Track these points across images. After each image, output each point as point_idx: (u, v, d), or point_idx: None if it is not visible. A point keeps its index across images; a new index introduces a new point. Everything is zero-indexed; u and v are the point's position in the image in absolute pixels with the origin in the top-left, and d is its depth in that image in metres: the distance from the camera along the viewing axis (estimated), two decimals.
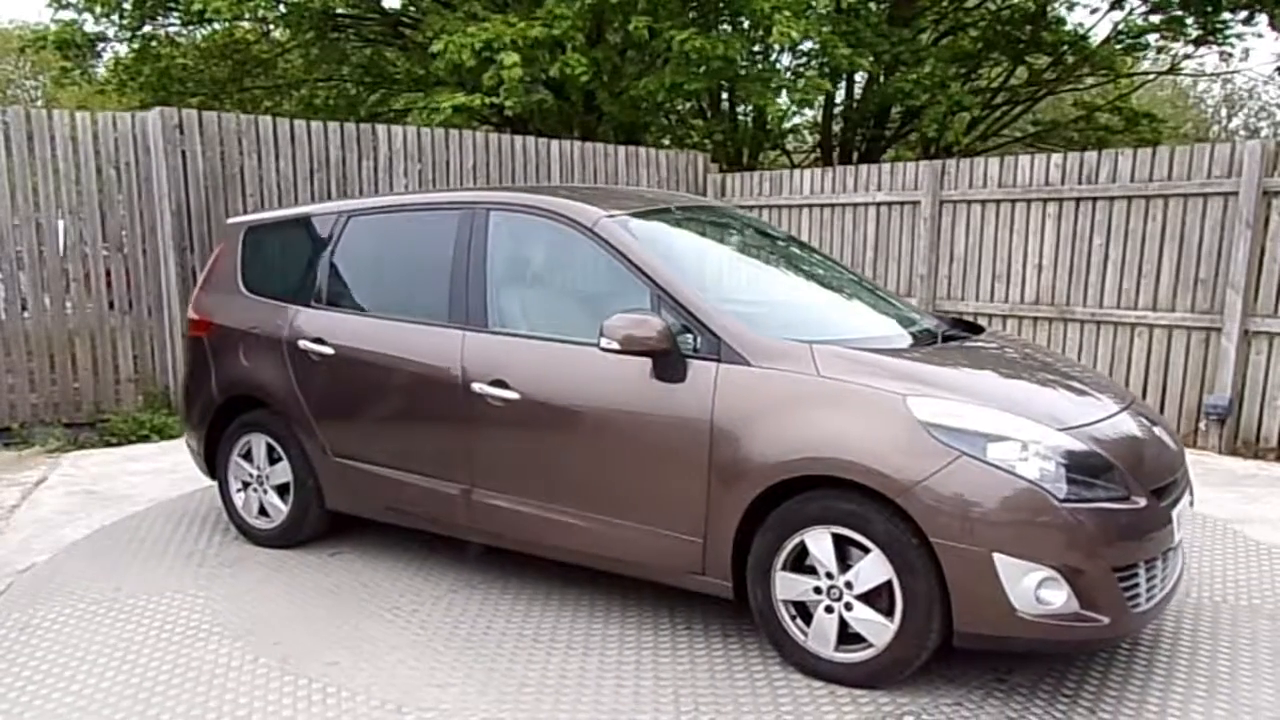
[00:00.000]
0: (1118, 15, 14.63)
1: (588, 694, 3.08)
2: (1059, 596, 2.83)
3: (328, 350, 4.10)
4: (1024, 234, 7.37)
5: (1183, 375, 6.64)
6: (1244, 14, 13.55)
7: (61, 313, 6.75)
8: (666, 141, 15.62)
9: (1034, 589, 2.82)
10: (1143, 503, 2.96)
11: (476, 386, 3.65)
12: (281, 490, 4.38)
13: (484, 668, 3.25)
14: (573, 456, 3.53)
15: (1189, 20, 13.92)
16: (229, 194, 7.00)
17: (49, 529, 4.75)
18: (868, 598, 3.01)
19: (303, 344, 4.17)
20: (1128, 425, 3.24)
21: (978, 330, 4.10)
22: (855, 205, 8.46)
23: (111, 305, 6.95)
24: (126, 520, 4.87)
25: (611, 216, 3.63)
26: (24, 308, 6.71)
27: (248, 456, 4.46)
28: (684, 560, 3.33)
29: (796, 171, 9.15)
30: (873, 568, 2.98)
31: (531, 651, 3.38)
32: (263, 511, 4.45)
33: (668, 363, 3.26)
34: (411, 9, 14.07)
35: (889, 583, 2.96)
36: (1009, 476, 2.85)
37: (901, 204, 8.12)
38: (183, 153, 6.80)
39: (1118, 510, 2.90)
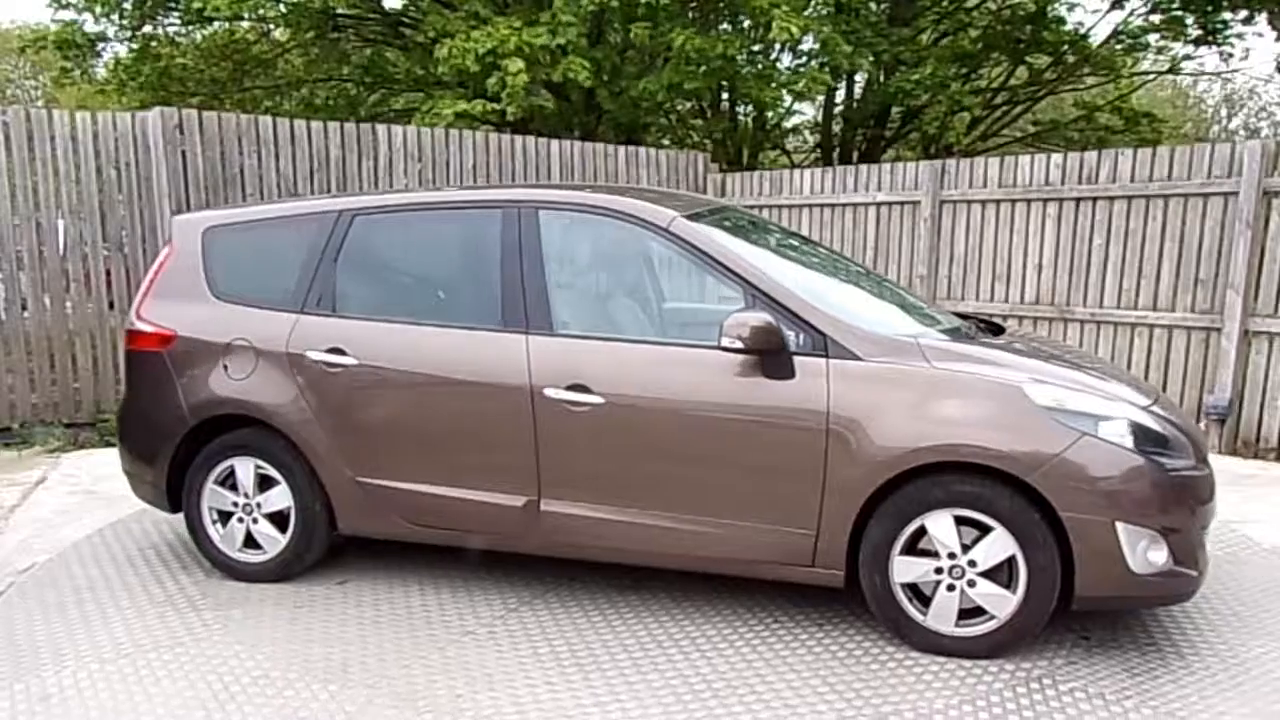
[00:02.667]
0: (1118, 15, 14.65)
1: (747, 694, 3.07)
2: (1161, 556, 3.16)
3: (348, 361, 3.76)
4: (1024, 234, 7.37)
5: (1183, 375, 6.63)
6: (1244, 14, 13.55)
7: (61, 313, 6.74)
8: (666, 141, 15.64)
9: (1146, 551, 3.14)
10: (1207, 470, 3.36)
11: (550, 392, 3.50)
12: (275, 518, 3.95)
13: (623, 682, 3.15)
14: (668, 459, 3.46)
15: (1189, 20, 13.92)
16: (229, 194, 7.00)
17: (49, 529, 4.75)
18: (989, 573, 3.22)
19: (312, 355, 3.80)
20: (1170, 406, 3.59)
21: (1000, 329, 4.22)
22: (855, 205, 8.45)
23: (111, 305, 6.94)
24: (84, 546, 4.47)
25: (683, 216, 3.62)
26: (24, 308, 6.71)
27: (227, 483, 3.98)
28: (793, 554, 3.39)
29: (796, 171, 9.15)
30: (996, 545, 3.19)
31: (654, 660, 3.30)
32: (250, 544, 3.99)
33: (779, 360, 3.30)
34: (412, 9, 14.07)
35: (1012, 558, 3.19)
36: (1123, 451, 3.16)
37: (901, 204, 8.11)
38: (183, 153, 6.80)
39: (1198, 476, 3.29)
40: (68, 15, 13.25)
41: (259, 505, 3.96)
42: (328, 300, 3.89)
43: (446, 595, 3.88)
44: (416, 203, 4.07)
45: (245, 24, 14.50)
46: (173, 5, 13.09)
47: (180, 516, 4.13)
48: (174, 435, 3.97)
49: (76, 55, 13.61)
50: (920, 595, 3.32)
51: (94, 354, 6.88)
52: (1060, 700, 3.04)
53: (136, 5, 12.87)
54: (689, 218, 3.67)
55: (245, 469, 3.95)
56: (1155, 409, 3.39)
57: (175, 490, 4.05)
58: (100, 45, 13.88)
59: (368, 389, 3.78)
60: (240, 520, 3.99)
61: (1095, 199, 6.96)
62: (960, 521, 3.22)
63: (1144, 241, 6.75)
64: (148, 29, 13.74)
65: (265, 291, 4.00)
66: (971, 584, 3.23)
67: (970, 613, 3.27)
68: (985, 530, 3.21)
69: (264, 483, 3.96)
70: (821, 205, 8.68)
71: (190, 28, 14.45)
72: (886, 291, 4.24)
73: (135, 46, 13.86)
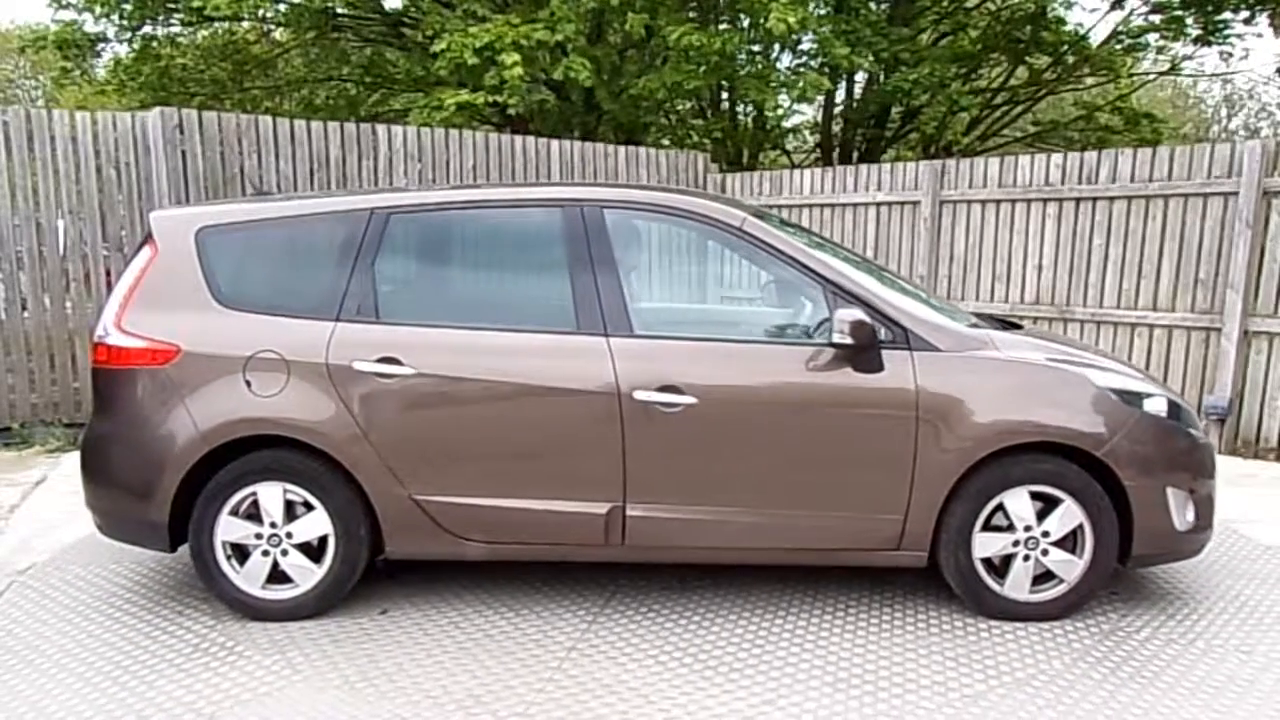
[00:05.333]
0: (1118, 15, 14.66)
1: (896, 678, 3.19)
2: (1192, 514, 3.60)
3: (405, 371, 3.49)
4: (1024, 234, 7.37)
5: (1183, 375, 6.63)
6: (1244, 14, 13.55)
7: (61, 313, 6.74)
8: (666, 141, 15.63)
9: (1184, 511, 3.57)
10: (1209, 439, 3.82)
11: (639, 395, 3.43)
12: (307, 547, 3.58)
13: (770, 679, 3.17)
14: (761, 455, 3.50)
15: (1189, 20, 13.92)
16: (229, 194, 6.99)
17: (49, 529, 4.74)
18: (1059, 542, 3.54)
19: (360, 366, 3.49)
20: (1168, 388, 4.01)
21: (1018, 325, 4.39)
22: (855, 205, 8.46)
23: None
24: (82, 558, 4.21)
25: (754, 217, 3.72)
26: (24, 308, 6.71)
27: (244, 513, 3.56)
28: (880, 539, 3.55)
29: (796, 171, 9.15)
30: (1067, 516, 3.52)
31: (780, 656, 3.33)
32: (278, 578, 3.58)
33: (870, 354, 3.45)
34: (412, 9, 14.08)
35: (1080, 526, 3.52)
36: (1167, 423, 3.62)
37: (901, 204, 8.11)
38: (183, 153, 6.80)
39: (1209, 444, 3.78)
40: (68, 15, 13.27)
41: (289, 535, 3.56)
42: (368, 306, 3.59)
43: (510, 613, 3.68)
44: (461, 201, 3.85)
45: (245, 24, 14.51)
46: (173, 5, 13.08)
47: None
48: (181, 464, 3.49)
49: (76, 55, 13.62)
50: (992, 567, 3.58)
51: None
52: (1147, 648, 3.41)
53: (137, 5, 12.86)
54: (756, 216, 3.76)
55: (271, 495, 3.54)
56: (1167, 388, 3.84)
57: (175, 526, 3.58)
58: (100, 45, 13.89)
59: (428, 400, 3.52)
60: (265, 554, 3.57)
61: (1095, 199, 6.96)
62: (1034, 496, 3.52)
63: (1144, 241, 6.75)
64: (148, 29, 13.74)
65: (288, 298, 3.64)
66: (1045, 553, 3.54)
67: (1039, 579, 3.58)
68: (1051, 502, 3.52)
69: (288, 509, 3.59)
70: (821, 205, 8.68)
71: (190, 28, 14.45)
72: (912, 288, 4.31)
73: (135, 47, 13.87)
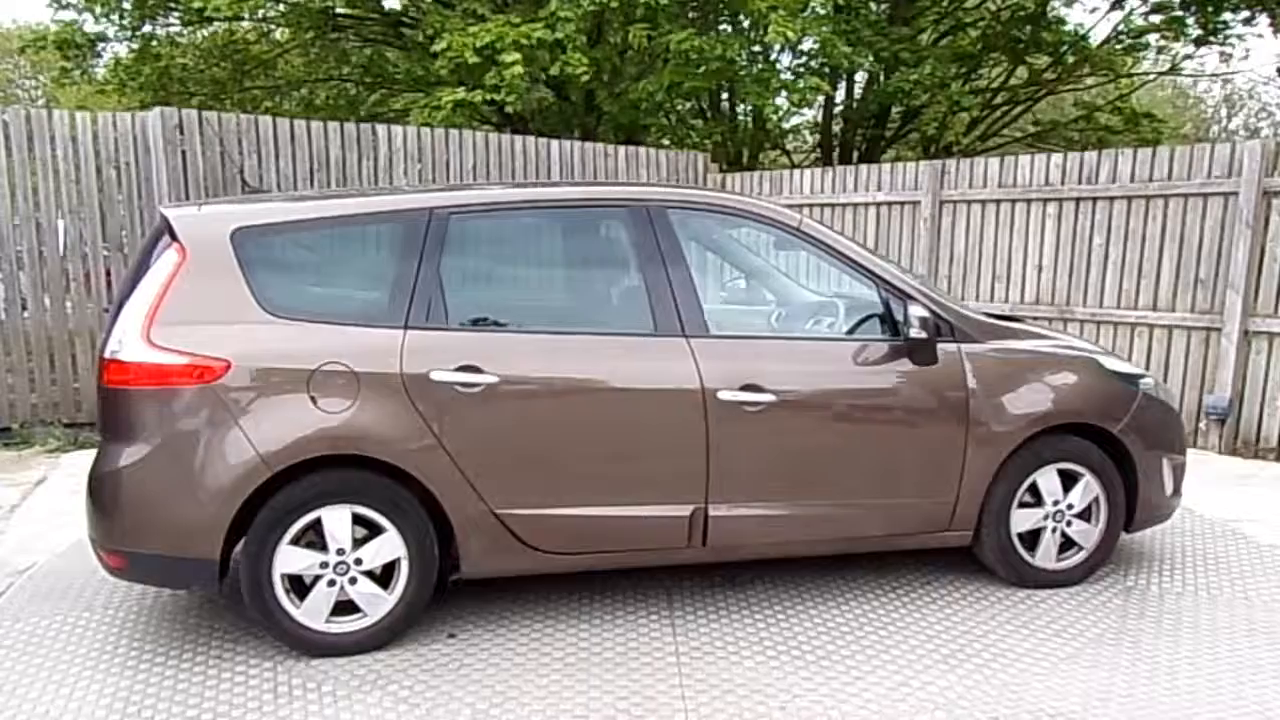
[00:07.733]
0: (1117, 15, 14.66)
1: (991, 650, 3.36)
2: (1174, 482, 4.02)
3: (488, 379, 3.28)
4: (1024, 234, 7.37)
5: (1183, 375, 6.63)
6: (1244, 14, 13.56)
7: (61, 313, 6.74)
8: (666, 142, 15.61)
9: (1171, 479, 3.99)
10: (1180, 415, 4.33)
11: (724, 394, 3.44)
12: (372, 573, 3.28)
13: (884, 663, 3.27)
14: (834, 448, 3.65)
15: (1189, 20, 13.93)
16: (229, 194, 6.99)
17: (49, 529, 4.74)
18: (1080, 514, 3.88)
19: (438, 376, 3.25)
20: None
21: (1018, 319, 4.62)
22: (855, 205, 8.46)
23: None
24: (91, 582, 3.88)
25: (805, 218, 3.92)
26: (24, 308, 6.72)
27: (303, 540, 3.22)
28: (934, 521, 3.77)
29: (796, 171, 9.15)
30: (1087, 489, 3.87)
31: (872, 640, 3.44)
32: (344, 609, 3.27)
33: (928, 348, 3.63)
34: (412, 9, 14.08)
35: (1097, 499, 3.88)
36: (1158, 401, 4.06)
37: (901, 204, 8.11)
38: (183, 153, 6.80)
39: (1181, 419, 4.21)
40: (68, 15, 13.29)
41: (357, 561, 3.25)
42: (438, 311, 3.34)
43: (584, 624, 3.55)
44: (523, 200, 3.75)
45: (245, 24, 14.51)
46: (173, 5, 13.09)
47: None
48: (239, 493, 3.11)
49: (76, 55, 13.63)
50: (1022, 540, 3.86)
51: (94, 354, 6.85)
52: (1168, 601, 3.79)
53: (136, 5, 12.87)
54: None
55: (338, 519, 3.22)
56: None
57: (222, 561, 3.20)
58: (100, 45, 13.90)
59: (513, 409, 3.33)
60: (331, 583, 3.23)
61: (1095, 199, 6.95)
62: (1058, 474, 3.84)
63: (1144, 241, 6.75)
64: (148, 29, 13.75)
65: (347, 305, 3.40)
66: (1069, 524, 3.88)
67: (1061, 548, 3.90)
68: (1070, 478, 3.85)
69: (361, 533, 3.31)
70: (821, 205, 8.68)
71: (190, 28, 14.45)
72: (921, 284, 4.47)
73: (135, 46, 13.87)
